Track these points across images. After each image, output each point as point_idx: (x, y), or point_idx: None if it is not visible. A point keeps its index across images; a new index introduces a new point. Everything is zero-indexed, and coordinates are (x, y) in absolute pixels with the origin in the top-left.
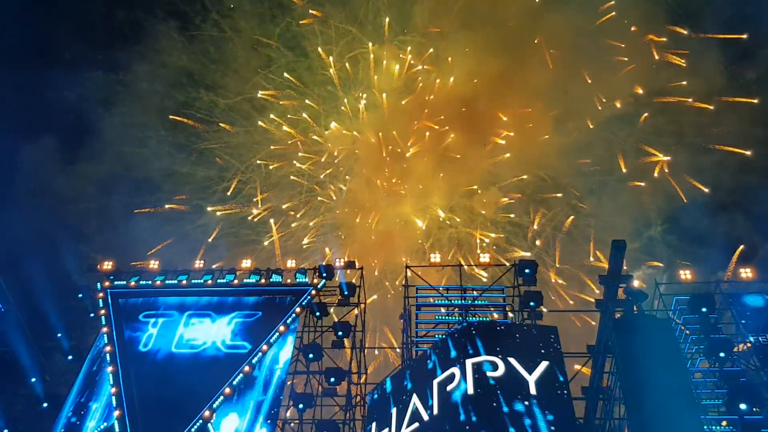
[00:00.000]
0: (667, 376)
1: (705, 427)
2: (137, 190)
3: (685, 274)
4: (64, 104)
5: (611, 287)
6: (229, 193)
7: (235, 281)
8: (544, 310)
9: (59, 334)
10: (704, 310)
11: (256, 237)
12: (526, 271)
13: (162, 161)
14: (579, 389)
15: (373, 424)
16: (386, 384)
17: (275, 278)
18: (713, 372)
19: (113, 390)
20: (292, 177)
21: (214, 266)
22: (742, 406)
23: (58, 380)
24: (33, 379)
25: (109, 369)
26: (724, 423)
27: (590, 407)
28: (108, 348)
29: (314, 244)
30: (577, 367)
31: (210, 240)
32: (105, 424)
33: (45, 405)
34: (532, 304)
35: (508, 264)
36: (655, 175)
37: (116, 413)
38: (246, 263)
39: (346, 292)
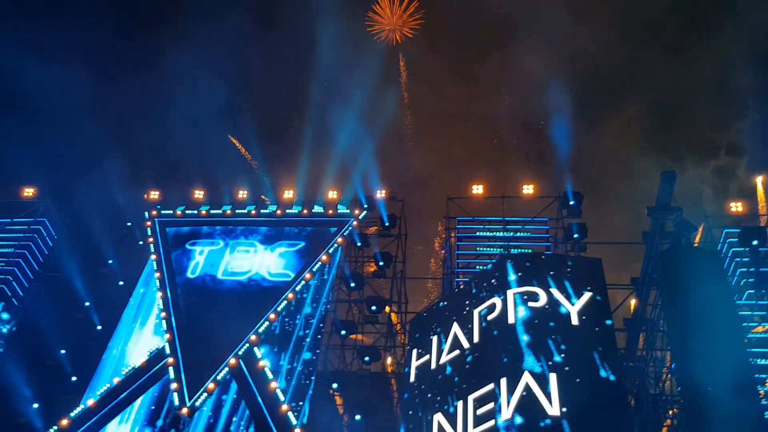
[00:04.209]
0: (713, 308)
1: (751, 360)
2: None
3: (736, 207)
4: None
5: (659, 219)
6: None
7: (278, 211)
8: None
9: (110, 261)
10: (755, 242)
11: None
12: (571, 202)
13: None
14: (621, 321)
15: (414, 351)
16: (427, 312)
17: (317, 209)
18: (761, 306)
19: (163, 314)
20: None
21: None
22: None
23: (110, 304)
24: (87, 303)
25: (159, 294)
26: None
27: (632, 338)
28: (157, 274)
29: None
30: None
31: None
32: (156, 346)
33: (99, 327)
34: (576, 236)
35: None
36: None
37: (166, 336)
38: (288, 194)
39: (387, 224)
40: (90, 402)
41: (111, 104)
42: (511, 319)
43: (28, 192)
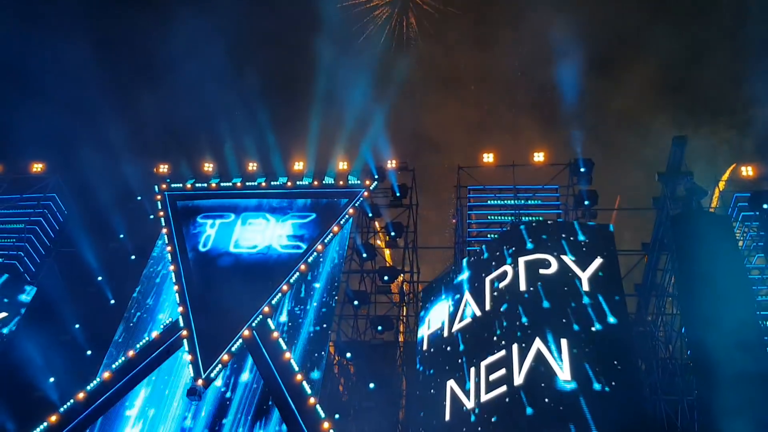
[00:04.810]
0: (723, 272)
1: (760, 322)
2: None
3: (747, 171)
4: None
5: (669, 184)
6: None
7: (289, 183)
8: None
9: (121, 235)
10: (765, 206)
11: None
12: (582, 169)
13: None
14: (632, 287)
15: (427, 320)
16: (439, 281)
17: (328, 180)
18: None
19: (176, 287)
20: None
21: None
22: None
23: (123, 278)
24: (99, 278)
25: (171, 268)
26: None
27: (642, 304)
28: (169, 248)
29: None
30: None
31: None
32: (170, 319)
33: (113, 302)
34: (587, 203)
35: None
36: None
37: (180, 309)
38: (298, 166)
39: (398, 194)
40: (105, 375)
41: (116, 76)
42: (522, 287)
43: (37, 167)
